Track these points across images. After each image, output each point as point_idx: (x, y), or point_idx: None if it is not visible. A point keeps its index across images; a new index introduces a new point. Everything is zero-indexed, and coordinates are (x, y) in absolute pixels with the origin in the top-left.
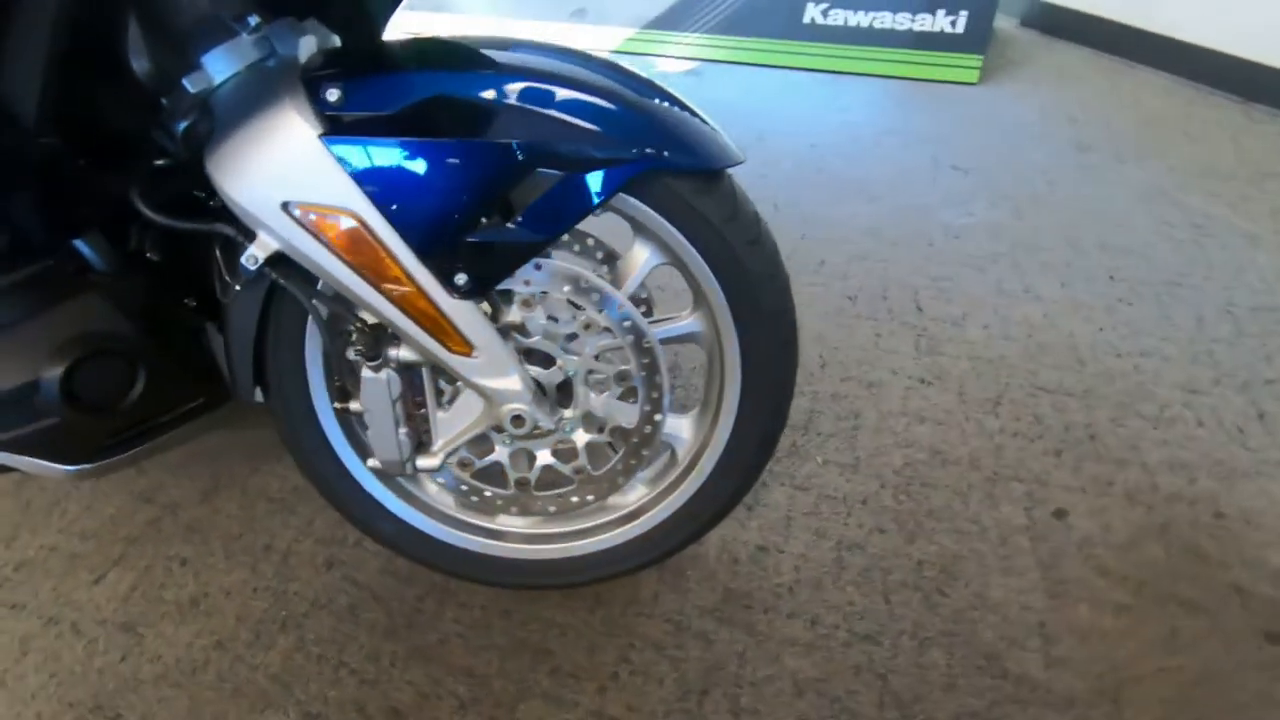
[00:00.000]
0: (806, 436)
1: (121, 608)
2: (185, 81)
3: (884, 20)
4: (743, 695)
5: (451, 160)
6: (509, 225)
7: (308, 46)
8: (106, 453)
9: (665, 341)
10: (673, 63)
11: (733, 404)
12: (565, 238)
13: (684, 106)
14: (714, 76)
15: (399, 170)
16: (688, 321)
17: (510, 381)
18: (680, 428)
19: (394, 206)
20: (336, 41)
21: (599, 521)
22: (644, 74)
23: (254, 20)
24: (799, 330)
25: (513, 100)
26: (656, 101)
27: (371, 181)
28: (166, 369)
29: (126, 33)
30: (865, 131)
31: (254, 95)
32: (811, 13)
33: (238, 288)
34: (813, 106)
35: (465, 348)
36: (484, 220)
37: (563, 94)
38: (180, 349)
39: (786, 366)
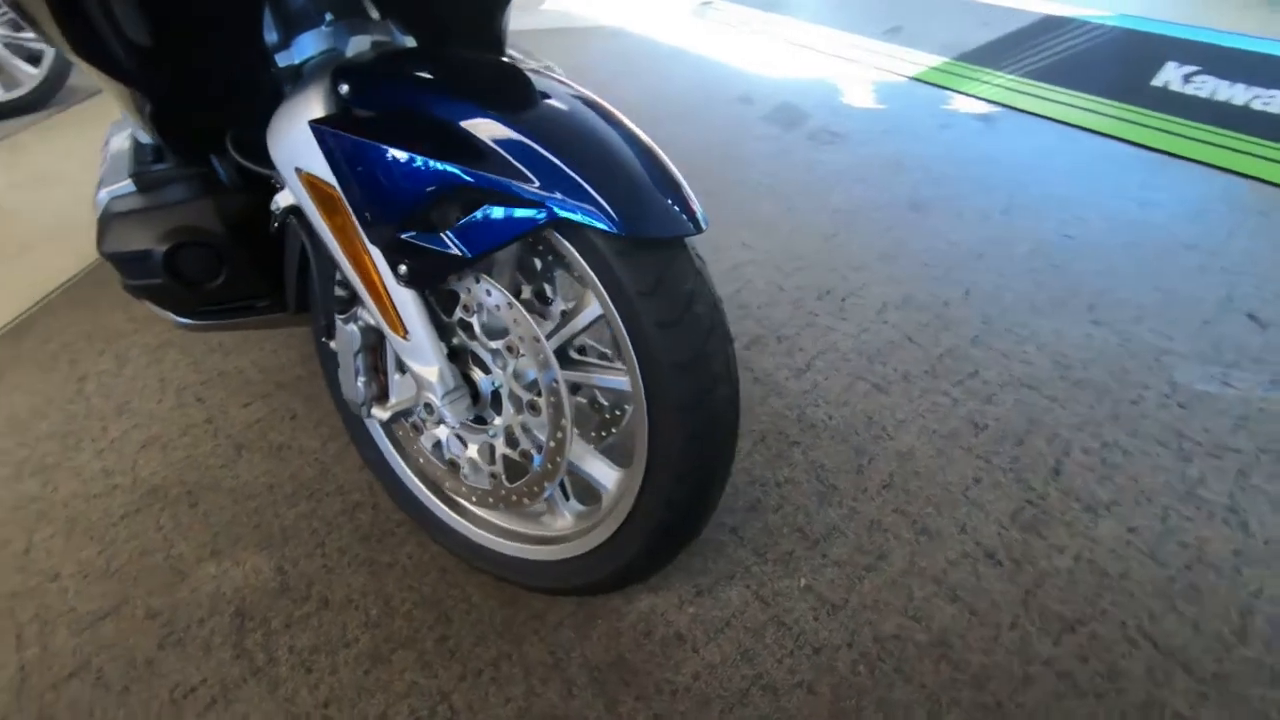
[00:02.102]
0: (809, 550)
1: (246, 429)
2: (276, 56)
3: (1270, 101)
4: None
5: (394, 166)
6: (440, 235)
7: (359, 44)
8: (200, 317)
9: (603, 389)
10: (969, 102)
11: (636, 481)
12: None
13: (654, 167)
14: (1008, 126)
15: (356, 162)
16: (619, 379)
17: (430, 372)
18: (607, 477)
19: (353, 190)
20: (405, 41)
21: (527, 531)
22: (633, 129)
23: (328, 15)
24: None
25: (466, 129)
26: (612, 156)
27: (341, 165)
28: (244, 270)
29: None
30: (1156, 236)
31: (307, 77)
32: (1169, 75)
33: (275, 224)
34: (1109, 189)
35: (401, 330)
36: (419, 225)
37: (509, 134)
38: (258, 259)
39: (695, 464)
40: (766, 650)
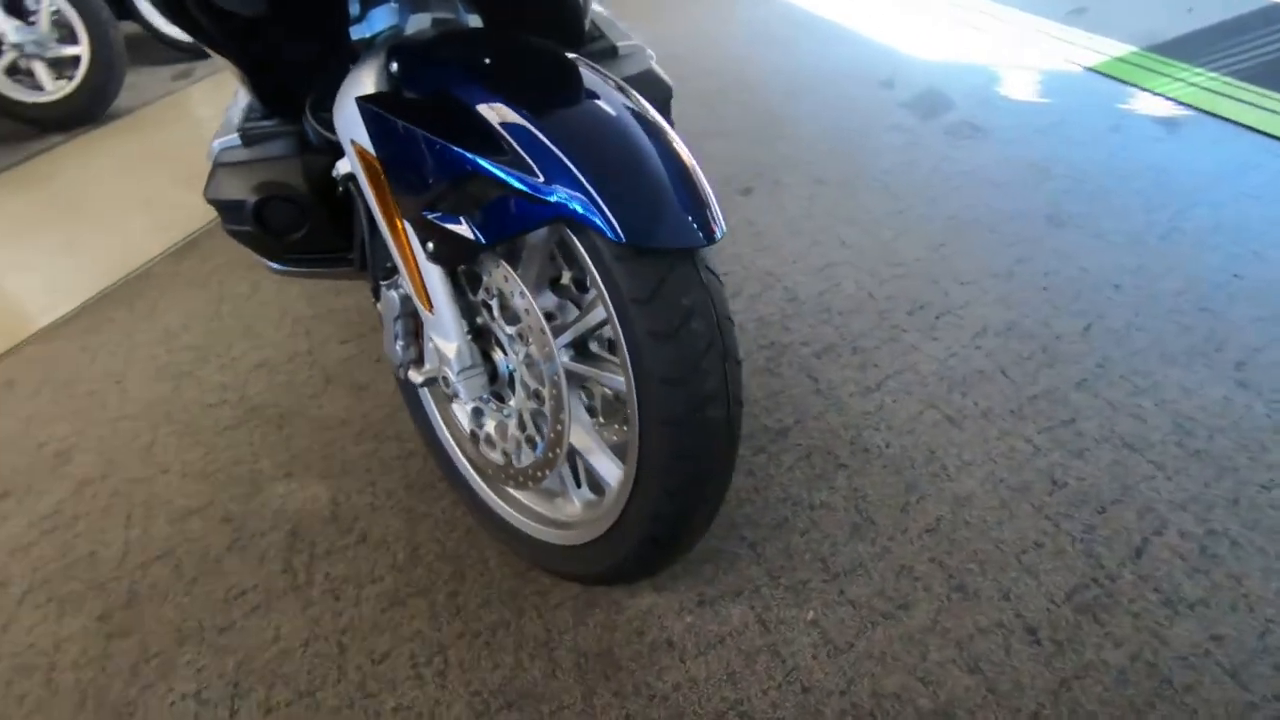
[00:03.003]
0: (827, 583)
1: (339, 364)
2: (352, 29)
3: None
4: None
5: (422, 148)
6: (461, 218)
7: (420, 22)
8: (286, 264)
9: (611, 388)
10: (1152, 102)
11: (628, 486)
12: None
13: (677, 175)
14: (1195, 134)
15: (391, 141)
16: (622, 381)
17: (449, 347)
18: (611, 473)
19: (389, 167)
20: (468, 21)
21: (541, 511)
22: (665, 133)
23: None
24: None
25: (488, 119)
26: (628, 160)
27: (380, 142)
28: (323, 226)
29: None
30: None
31: (367, 53)
32: None
33: (340, 189)
34: None
35: (427, 303)
36: (444, 206)
37: (527, 128)
38: (336, 217)
39: (680, 481)
40: (754, 677)
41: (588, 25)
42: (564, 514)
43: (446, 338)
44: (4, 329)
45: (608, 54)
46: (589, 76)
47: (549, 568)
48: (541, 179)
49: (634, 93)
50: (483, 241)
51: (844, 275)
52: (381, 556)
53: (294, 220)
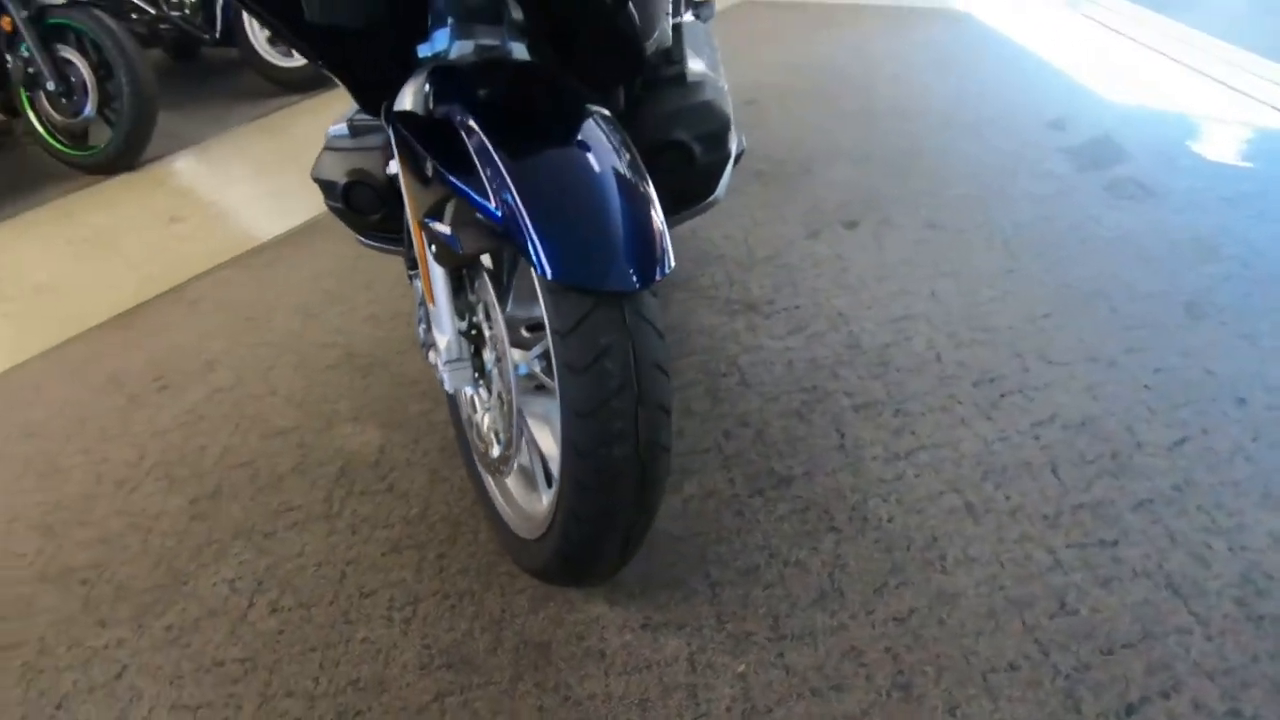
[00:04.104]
0: (770, 642)
1: (375, 338)
2: (420, 46)
3: None
4: (456, 699)
5: (424, 164)
6: (447, 227)
7: (463, 48)
8: (369, 239)
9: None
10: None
11: (553, 500)
12: None
13: (627, 217)
14: None
15: (407, 154)
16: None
17: (441, 339)
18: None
19: (409, 174)
20: (512, 49)
21: (519, 500)
22: (628, 176)
23: (449, 19)
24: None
25: (469, 146)
26: (574, 198)
27: (404, 152)
28: (396, 212)
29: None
30: None
31: (415, 72)
32: None
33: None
34: None
35: (431, 298)
36: (439, 215)
37: (494, 158)
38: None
39: (584, 511)
40: (664, 711)
41: (652, 49)
42: (531, 508)
43: (441, 330)
44: (207, 252)
45: (671, 81)
46: (582, 120)
47: (508, 552)
48: (494, 207)
49: (624, 139)
50: (458, 251)
51: (918, 331)
52: (398, 506)
53: (373, 204)
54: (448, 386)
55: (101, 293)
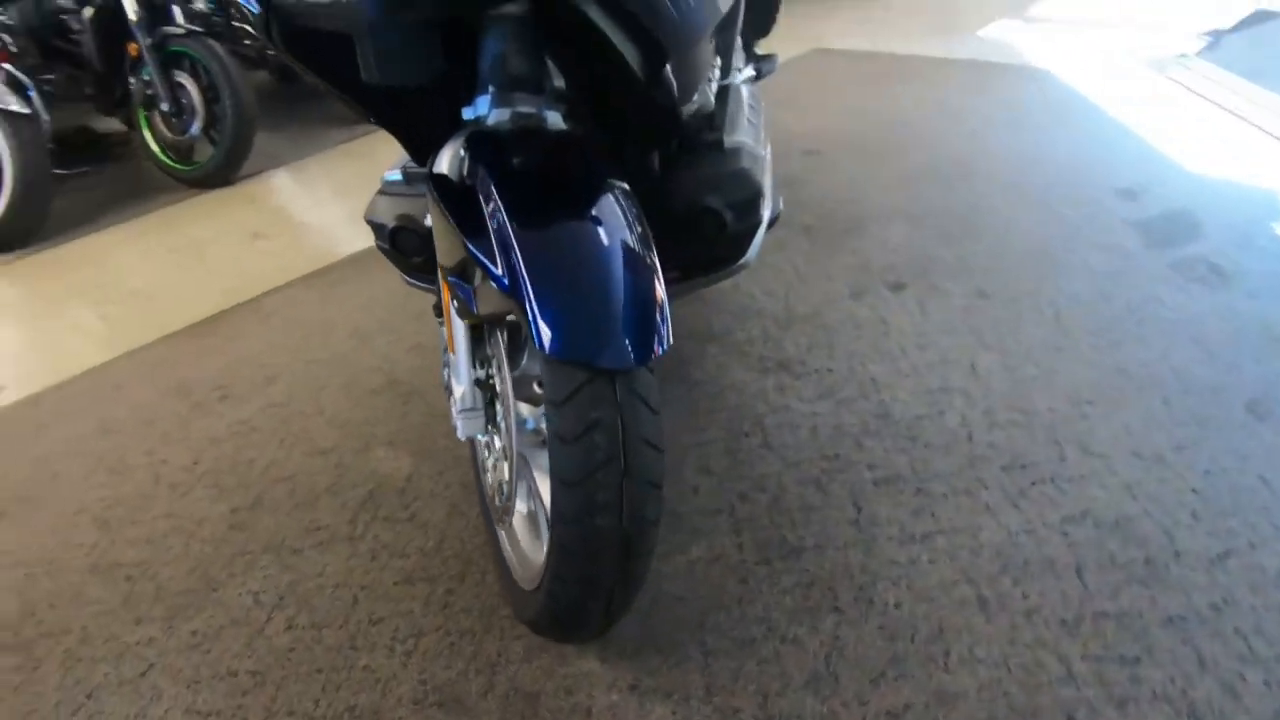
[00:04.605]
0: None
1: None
2: (465, 109)
3: None
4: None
5: (449, 224)
6: (467, 286)
7: (500, 116)
8: (413, 280)
9: None
10: None
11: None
12: None
13: (628, 295)
14: None
15: (438, 213)
16: None
17: (458, 388)
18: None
19: (438, 231)
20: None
21: (524, 546)
22: (637, 252)
23: (493, 86)
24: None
25: (487, 216)
26: (576, 274)
27: (434, 211)
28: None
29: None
30: None
31: (455, 136)
32: None
33: None
34: None
35: (452, 347)
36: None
37: (507, 230)
38: None
39: (567, 575)
40: None
41: (691, 113)
42: (533, 557)
43: (458, 380)
44: (282, 268)
45: (708, 147)
46: (600, 194)
47: (507, 598)
48: (501, 274)
49: (638, 214)
50: (474, 310)
51: (952, 405)
52: (417, 536)
53: (417, 248)
54: (460, 434)
55: (186, 301)
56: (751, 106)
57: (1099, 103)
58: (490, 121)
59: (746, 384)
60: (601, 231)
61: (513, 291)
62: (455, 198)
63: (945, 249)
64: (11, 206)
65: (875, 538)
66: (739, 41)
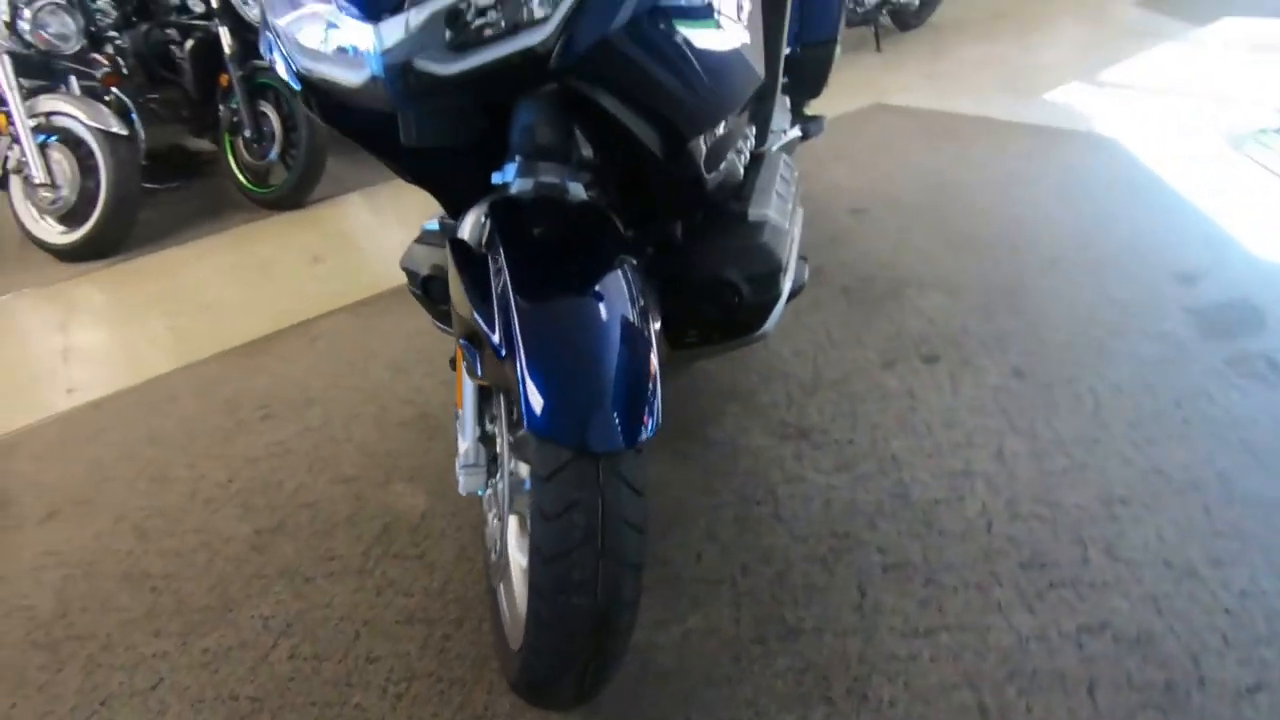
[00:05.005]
0: None
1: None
2: (495, 173)
3: None
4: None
5: (461, 290)
6: (475, 352)
7: (523, 185)
8: (443, 326)
9: None
10: None
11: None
12: None
13: (620, 379)
14: None
15: (454, 277)
16: None
17: (462, 444)
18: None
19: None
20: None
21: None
22: (637, 332)
23: (519, 158)
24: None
25: (493, 287)
26: (568, 355)
27: (453, 275)
28: None
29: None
30: None
31: (480, 201)
32: None
33: None
34: None
35: (460, 404)
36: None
37: (509, 305)
38: None
39: (542, 647)
40: None
41: (717, 183)
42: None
43: (463, 436)
44: (335, 293)
45: (732, 218)
46: (607, 269)
47: (496, 654)
48: (499, 343)
49: (643, 291)
50: (478, 375)
51: (974, 491)
52: (423, 576)
53: (447, 297)
54: (461, 488)
55: (245, 318)
56: (783, 177)
57: (1166, 177)
58: (514, 190)
59: (764, 449)
60: (602, 307)
61: (507, 362)
62: (470, 263)
63: (984, 323)
64: (103, 218)
65: (877, 626)
66: (785, 101)
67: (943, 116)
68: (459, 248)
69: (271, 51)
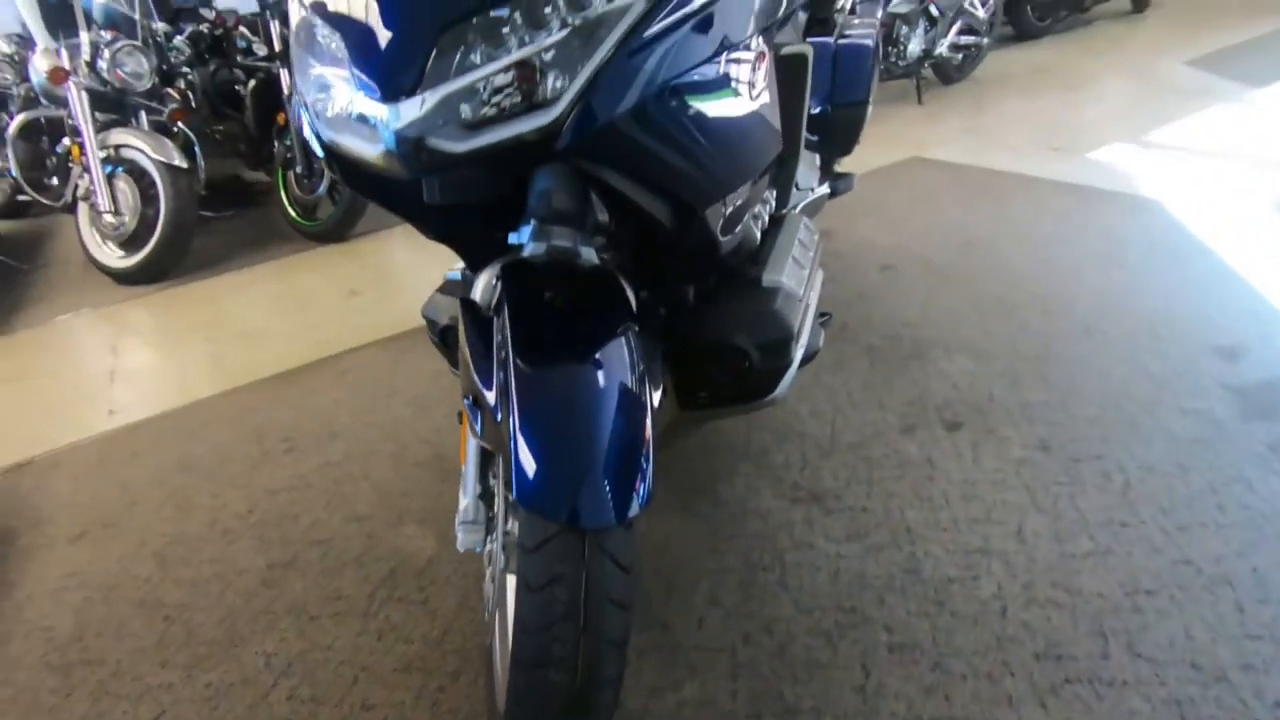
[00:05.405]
0: None
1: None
2: (512, 234)
3: None
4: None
5: (465, 353)
6: (477, 413)
7: (536, 249)
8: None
9: None
10: None
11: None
12: None
13: (612, 452)
14: None
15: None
16: None
17: (463, 500)
18: None
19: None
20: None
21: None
22: (636, 408)
23: (534, 221)
24: None
25: (495, 355)
26: (561, 427)
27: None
28: None
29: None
30: None
31: (492, 263)
32: None
33: None
34: None
35: (463, 458)
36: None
37: (510, 373)
38: None
39: (521, 715)
40: None
41: (731, 247)
42: None
43: (464, 492)
44: (367, 327)
45: (745, 283)
46: (610, 337)
47: (487, 713)
48: (495, 408)
49: (643, 360)
50: (479, 433)
51: (990, 571)
52: (424, 623)
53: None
54: (459, 545)
55: (281, 347)
56: (802, 241)
57: (1211, 243)
58: (527, 252)
59: (774, 511)
60: (600, 375)
61: (501, 426)
62: (477, 323)
63: (1010, 391)
64: (160, 245)
65: (879, 712)
66: (815, 159)
67: (981, 172)
68: (469, 307)
69: (300, 114)
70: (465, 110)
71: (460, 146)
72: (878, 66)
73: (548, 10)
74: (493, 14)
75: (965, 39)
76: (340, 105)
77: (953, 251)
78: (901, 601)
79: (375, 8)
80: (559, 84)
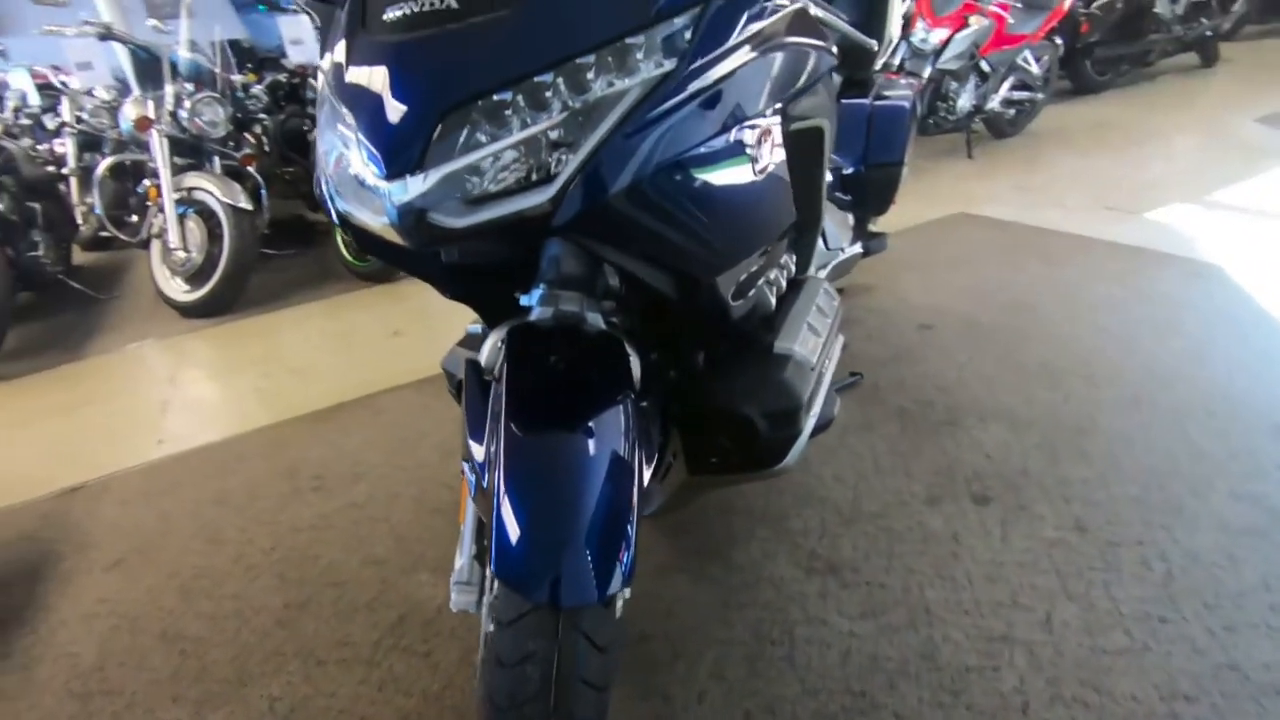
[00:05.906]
0: None
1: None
2: (522, 296)
3: None
4: None
5: (466, 415)
6: (471, 477)
7: (543, 313)
8: None
9: None
10: None
11: None
12: None
13: (594, 529)
14: None
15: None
16: None
17: (459, 560)
18: None
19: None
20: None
21: None
22: (624, 481)
23: (543, 285)
24: None
25: (492, 415)
26: (543, 501)
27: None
28: None
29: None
30: None
31: (500, 326)
32: None
33: None
34: None
35: (461, 517)
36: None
37: (500, 440)
38: None
39: None
40: None
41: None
42: None
43: (460, 551)
44: (406, 369)
45: (757, 351)
46: (607, 407)
47: None
48: (483, 476)
49: (638, 433)
50: (473, 495)
51: (1013, 663)
52: (424, 675)
53: None
54: (452, 605)
55: (324, 385)
56: (820, 307)
57: (1276, 314)
58: (534, 316)
59: (788, 581)
60: (591, 445)
61: (487, 494)
62: (478, 387)
63: (1046, 465)
64: (222, 281)
65: None
66: (849, 218)
67: (1030, 231)
68: (473, 369)
69: (318, 183)
70: (467, 187)
71: (461, 222)
72: (914, 127)
73: (549, 94)
74: (496, 98)
75: (1019, 94)
76: (350, 177)
77: (996, 312)
78: (914, 689)
79: (385, 87)
80: (558, 163)
